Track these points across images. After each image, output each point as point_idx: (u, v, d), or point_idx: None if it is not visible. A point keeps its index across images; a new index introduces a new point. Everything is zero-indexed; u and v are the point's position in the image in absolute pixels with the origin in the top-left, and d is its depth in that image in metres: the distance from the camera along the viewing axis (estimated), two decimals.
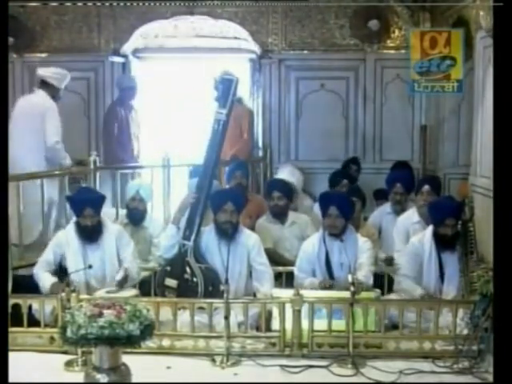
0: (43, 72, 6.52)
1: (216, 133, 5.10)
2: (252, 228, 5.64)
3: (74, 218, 5.19)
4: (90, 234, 5.08)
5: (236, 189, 5.94)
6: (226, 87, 5.09)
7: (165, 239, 5.09)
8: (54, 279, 4.99)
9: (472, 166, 5.93)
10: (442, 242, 4.95)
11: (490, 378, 3.81)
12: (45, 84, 6.47)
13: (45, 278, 5.00)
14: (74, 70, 7.60)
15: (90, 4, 7.91)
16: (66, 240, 5.13)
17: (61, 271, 5.13)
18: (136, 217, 5.89)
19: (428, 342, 4.38)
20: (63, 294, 4.32)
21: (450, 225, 4.92)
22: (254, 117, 7.89)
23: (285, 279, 5.29)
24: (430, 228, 5.06)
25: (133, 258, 5.19)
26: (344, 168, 7.60)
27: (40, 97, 6.44)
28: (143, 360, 4.02)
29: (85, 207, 5.03)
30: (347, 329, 4.24)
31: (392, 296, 5.06)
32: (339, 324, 4.35)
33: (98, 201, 5.18)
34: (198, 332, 4.42)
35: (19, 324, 4.39)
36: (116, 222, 5.73)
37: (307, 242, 5.18)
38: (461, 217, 5.06)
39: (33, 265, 5.20)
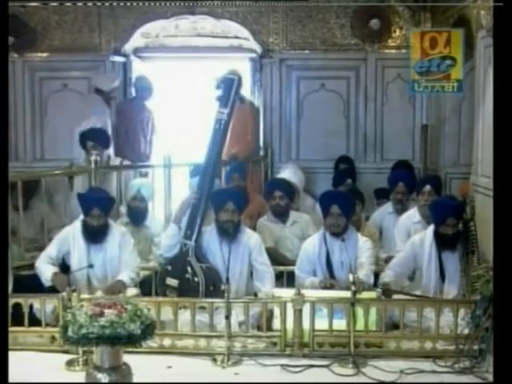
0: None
1: (217, 132, 5.09)
2: (253, 228, 5.65)
3: (82, 217, 5.19)
4: (96, 234, 5.08)
5: (237, 188, 5.93)
6: (227, 86, 5.09)
7: (166, 239, 5.09)
8: (56, 269, 5.00)
9: (473, 166, 5.93)
10: (443, 242, 4.95)
11: (491, 377, 3.81)
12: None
13: (46, 269, 5.00)
14: (75, 69, 7.64)
15: (90, 4, 7.90)
16: (71, 237, 5.13)
17: (63, 268, 5.13)
18: (137, 216, 5.88)
19: (429, 341, 4.39)
20: (64, 294, 4.33)
21: (450, 224, 4.92)
22: (259, 117, 7.89)
23: (286, 279, 5.29)
24: (431, 227, 5.06)
25: (130, 263, 5.15)
26: (335, 168, 7.58)
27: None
28: (144, 359, 4.03)
29: (93, 207, 5.03)
30: (348, 328, 4.25)
31: (392, 296, 5.06)
32: (340, 323, 4.35)
33: (106, 201, 5.18)
34: (198, 331, 4.43)
35: (20, 323, 4.39)
36: (117, 222, 5.72)
37: (308, 242, 5.18)
38: (462, 216, 5.06)
39: (33, 265, 5.21)
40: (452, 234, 4.95)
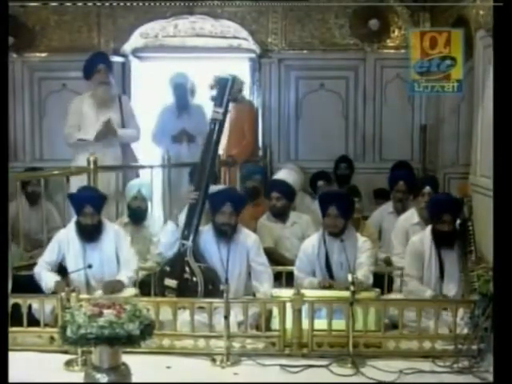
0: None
1: (212, 132, 5.09)
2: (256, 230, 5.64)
3: (75, 218, 5.19)
4: (90, 233, 5.08)
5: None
6: (221, 86, 5.08)
7: (165, 236, 5.07)
8: (58, 278, 4.99)
9: (472, 166, 5.93)
10: (441, 239, 4.96)
11: (490, 377, 3.81)
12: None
13: (48, 277, 4.98)
14: (74, 69, 7.59)
15: (89, 4, 7.90)
16: (66, 239, 5.13)
17: (61, 271, 5.13)
18: (138, 216, 5.88)
19: (428, 341, 4.39)
20: (63, 294, 4.32)
21: (447, 221, 4.92)
22: (257, 116, 7.87)
23: (285, 279, 5.29)
24: (430, 227, 5.06)
25: (128, 260, 5.16)
26: (334, 168, 7.57)
27: None
28: (143, 360, 4.03)
29: (85, 205, 5.03)
30: (347, 328, 4.24)
31: (392, 296, 5.06)
32: (339, 323, 4.35)
33: (98, 199, 5.18)
34: (197, 332, 4.43)
35: (19, 324, 4.39)
36: (115, 222, 5.72)
37: (307, 242, 5.18)
38: (458, 213, 5.06)
39: (33, 265, 5.20)
40: (448, 230, 4.94)
